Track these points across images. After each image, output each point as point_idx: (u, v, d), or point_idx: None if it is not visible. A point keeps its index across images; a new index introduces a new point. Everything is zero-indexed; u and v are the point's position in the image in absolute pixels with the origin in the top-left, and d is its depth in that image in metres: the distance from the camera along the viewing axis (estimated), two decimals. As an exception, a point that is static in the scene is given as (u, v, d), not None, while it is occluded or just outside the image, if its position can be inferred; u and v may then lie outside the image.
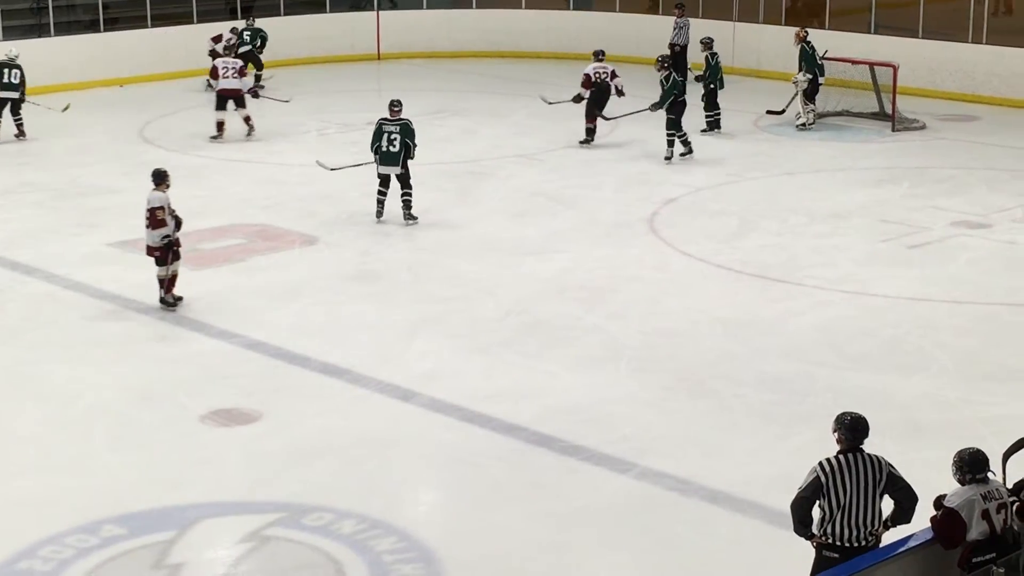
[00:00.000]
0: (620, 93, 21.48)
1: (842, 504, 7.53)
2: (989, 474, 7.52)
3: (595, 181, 19.22)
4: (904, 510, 7.64)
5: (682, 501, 9.99)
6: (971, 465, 7.51)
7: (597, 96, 21.51)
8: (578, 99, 21.74)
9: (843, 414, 7.74)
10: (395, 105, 16.93)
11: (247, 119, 21.90)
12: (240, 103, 21.88)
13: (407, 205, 16.90)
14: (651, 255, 15.86)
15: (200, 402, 11.74)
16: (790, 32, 23.48)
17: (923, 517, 7.61)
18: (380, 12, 29.70)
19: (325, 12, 29.87)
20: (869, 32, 25.99)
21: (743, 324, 13.56)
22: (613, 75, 21.63)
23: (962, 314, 13.85)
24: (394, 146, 16.66)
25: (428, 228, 16.88)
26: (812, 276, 14.95)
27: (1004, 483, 7.69)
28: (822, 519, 7.63)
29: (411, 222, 16.89)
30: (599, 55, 21.88)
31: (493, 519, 9.78)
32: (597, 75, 21.54)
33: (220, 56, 22.95)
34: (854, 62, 23.10)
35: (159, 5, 27.62)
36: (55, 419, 11.51)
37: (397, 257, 15.85)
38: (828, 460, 7.59)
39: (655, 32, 27.08)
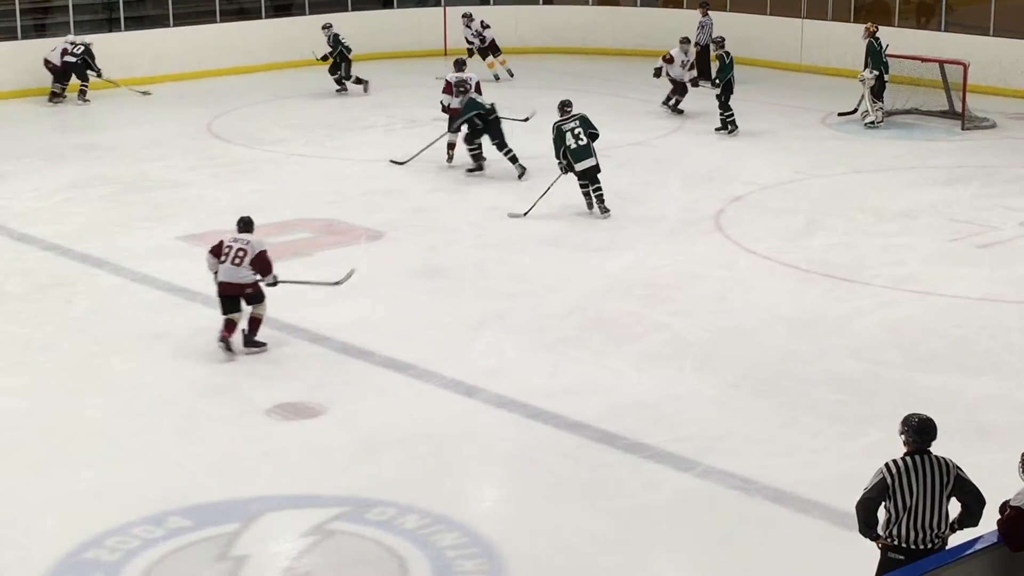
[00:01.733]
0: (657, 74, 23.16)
1: (908, 506, 7.47)
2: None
3: (661, 178, 19.16)
4: (971, 513, 7.57)
5: (745, 500, 9.95)
6: (1037, 463, 7.44)
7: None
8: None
9: (910, 416, 7.68)
10: (567, 105, 17.29)
11: (451, 146, 19.55)
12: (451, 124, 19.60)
13: (601, 199, 17.18)
14: (717, 253, 15.79)
15: (265, 395, 11.81)
16: (859, 29, 23.30)
17: (990, 520, 7.53)
18: (447, 7, 29.72)
19: (392, 7, 29.97)
20: (939, 30, 25.76)
21: (809, 323, 13.48)
22: (666, 59, 23.04)
23: (1032, 315, 13.72)
24: (581, 140, 17.01)
25: (493, 224, 16.90)
26: (879, 275, 14.83)
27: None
28: (888, 521, 7.57)
29: (607, 214, 17.11)
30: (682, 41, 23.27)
31: (556, 516, 9.78)
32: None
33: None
34: (924, 60, 22.90)
35: (228, 1, 27.81)
36: (122, 411, 11.61)
37: (462, 253, 15.86)
38: (894, 461, 7.53)
39: (719, 29, 26.92)
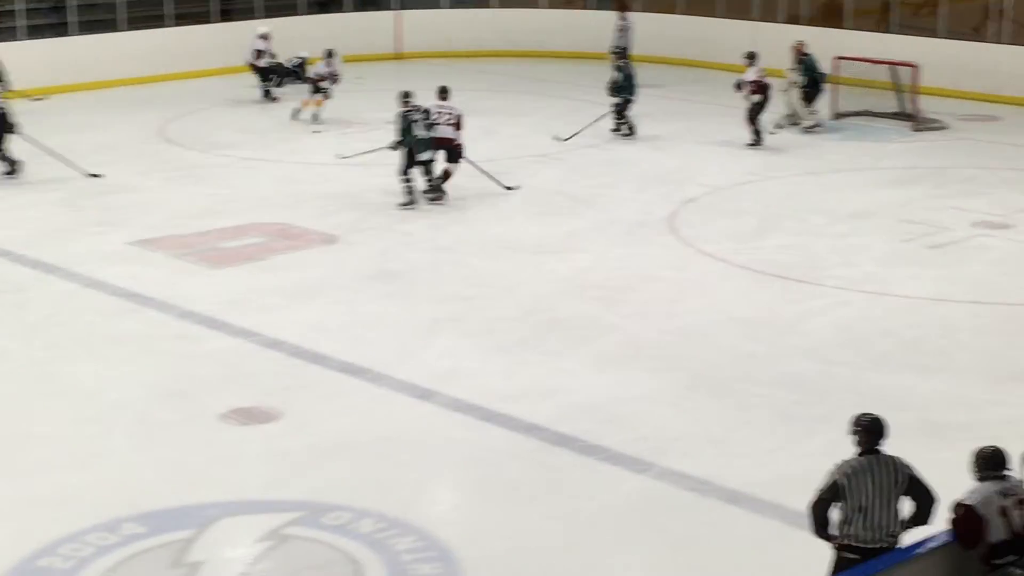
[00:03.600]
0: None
1: (861, 506, 7.50)
2: (1009, 473, 7.50)
3: (615, 181, 19.20)
4: (923, 512, 7.61)
5: (700, 501, 9.98)
6: (990, 462, 7.49)
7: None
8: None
9: (861, 415, 7.72)
10: (408, 96, 17.86)
11: (447, 175, 18.25)
12: (453, 157, 18.26)
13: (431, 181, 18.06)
14: (671, 255, 15.84)
15: (220, 400, 11.75)
16: (811, 32, 23.36)
17: (942, 519, 7.58)
18: (400, 11, 29.70)
19: (343, 11, 29.90)
20: (888, 32, 25.92)
21: (763, 324, 13.54)
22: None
23: (983, 315, 13.81)
24: (428, 132, 17.73)
25: (448, 227, 16.91)
26: (832, 276, 14.91)
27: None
28: (841, 521, 7.60)
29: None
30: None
31: (511, 519, 9.78)
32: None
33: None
34: (875, 62, 23.04)
35: (181, 4, 27.68)
36: (75, 416, 11.54)
37: (417, 256, 15.85)
38: (847, 462, 7.57)
39: (673, 31, 27.07)
